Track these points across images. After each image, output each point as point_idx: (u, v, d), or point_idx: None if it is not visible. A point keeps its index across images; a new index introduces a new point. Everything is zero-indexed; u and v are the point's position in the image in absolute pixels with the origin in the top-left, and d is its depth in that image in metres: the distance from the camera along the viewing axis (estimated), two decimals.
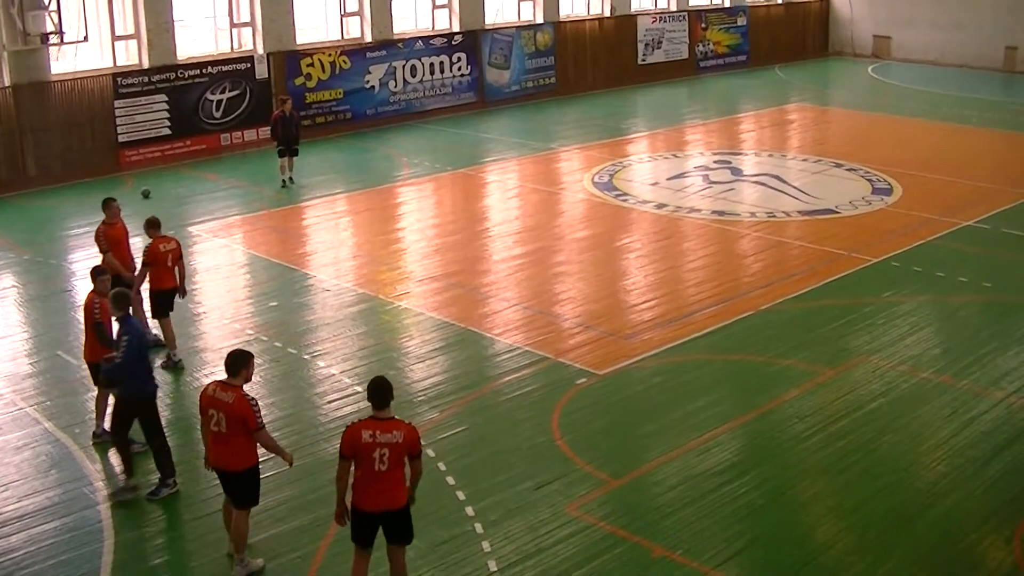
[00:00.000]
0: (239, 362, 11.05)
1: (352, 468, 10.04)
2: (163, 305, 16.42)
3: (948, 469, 13.20)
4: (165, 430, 12.98)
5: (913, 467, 13.34)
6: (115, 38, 29.65)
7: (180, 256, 16.48)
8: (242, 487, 11.17)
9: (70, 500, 12.67)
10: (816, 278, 19.90)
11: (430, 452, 13.54)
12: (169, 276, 16.29)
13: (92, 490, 12.85)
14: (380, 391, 10.06)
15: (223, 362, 11.26)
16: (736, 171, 28.29)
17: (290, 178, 27.38)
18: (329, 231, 23.79)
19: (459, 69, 36.91)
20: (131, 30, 29.77)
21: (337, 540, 11.49)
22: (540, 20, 39.65)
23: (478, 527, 11.95)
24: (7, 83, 27.30)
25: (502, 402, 15.09)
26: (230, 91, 31.25)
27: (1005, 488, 12.78)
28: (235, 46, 32.27)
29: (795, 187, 26.29)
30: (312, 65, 32.99)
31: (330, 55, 33.43)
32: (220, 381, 11.11)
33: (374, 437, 9.90)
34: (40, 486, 13.00)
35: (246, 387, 11.08)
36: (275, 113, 27.63)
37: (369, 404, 10.08)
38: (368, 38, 34.66)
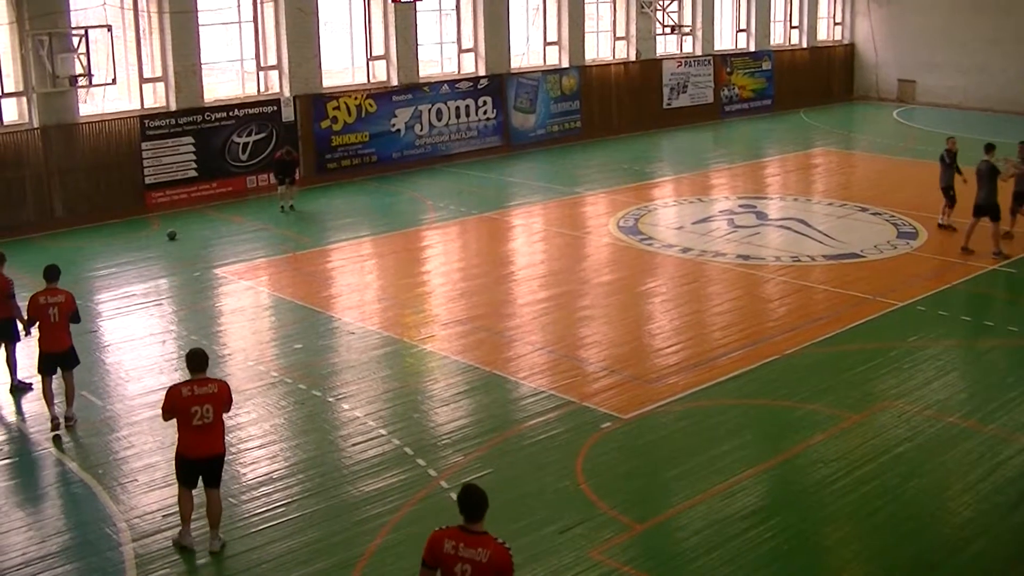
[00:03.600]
0: (202, 364, 12.26)
1: None
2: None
3: (974, 514, 13.08)
4: None
5: (939, 512, 13.22)
6: (143, 80, 29.94)
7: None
8: (221, 466, 12.32)
9: (93, 541, 12.66)
10: (841, 322, 19.82)
11: (454, 495, 13.48)
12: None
13: (116, 531, 12.84)
14: (474, 504, 8.91)
15: (185, 359, 12.39)
16: (761, 215, 28.26)
17: (291, 206, 29.25)
18: (354, 274, 23.85)
19: (484, 113, 37.10)
20: (159, 73, 30.06)
21: None
22: (566, 64, 39.87)
23: None
24: (36, 124, 27.59)
25: (526, 446, 15.04)
26: (256, 134, 31.47)
27: None
28: (262, 89, 32.53)
29: (820, 231, 26.25)
30: (338, 108, 33.22)
31: (356, 98, 33.66)
32: (188, 381, 12.08)
33: (456, 549, 8.63)
34: (63, 526, 13.03)
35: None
36: (276, 155, 29.90)
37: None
38: (394, 81, 34.88)
